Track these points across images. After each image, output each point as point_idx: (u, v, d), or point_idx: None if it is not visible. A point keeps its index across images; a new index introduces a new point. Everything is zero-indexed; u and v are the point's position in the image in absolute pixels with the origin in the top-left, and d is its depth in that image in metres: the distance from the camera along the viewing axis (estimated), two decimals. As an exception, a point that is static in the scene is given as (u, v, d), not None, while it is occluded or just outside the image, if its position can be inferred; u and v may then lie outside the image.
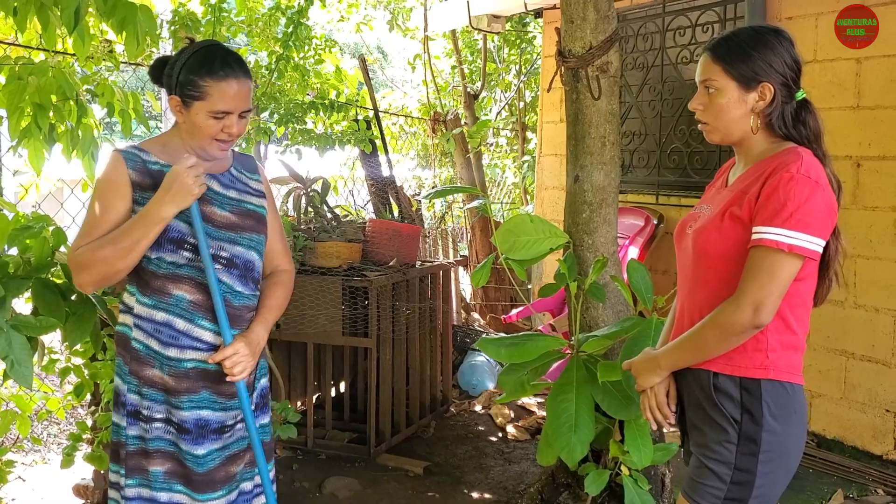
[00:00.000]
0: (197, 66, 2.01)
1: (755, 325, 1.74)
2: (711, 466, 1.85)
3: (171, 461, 2.08)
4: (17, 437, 3.34)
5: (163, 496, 2.07)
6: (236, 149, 4.36)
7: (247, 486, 2.20)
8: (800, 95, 1.88)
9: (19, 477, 3.53)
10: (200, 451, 2.06)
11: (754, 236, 1.75)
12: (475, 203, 3.21)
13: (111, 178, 2.05)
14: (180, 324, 2.04)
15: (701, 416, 1.90)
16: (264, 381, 2.28)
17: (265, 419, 2.26)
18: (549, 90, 3.65)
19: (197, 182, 1.96)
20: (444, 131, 7.17)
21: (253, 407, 2.17)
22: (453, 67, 8.64)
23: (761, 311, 1.73)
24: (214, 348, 2.07)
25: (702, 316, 1.87)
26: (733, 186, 1.91)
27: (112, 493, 2.16)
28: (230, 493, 2.12)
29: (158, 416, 2.07)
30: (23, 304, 2.56)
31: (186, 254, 2.05)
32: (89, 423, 3.12)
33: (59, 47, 3.37)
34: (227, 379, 2.04)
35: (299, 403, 4.42)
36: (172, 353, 2.05)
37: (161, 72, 2.10)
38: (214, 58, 2.02)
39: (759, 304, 1.73)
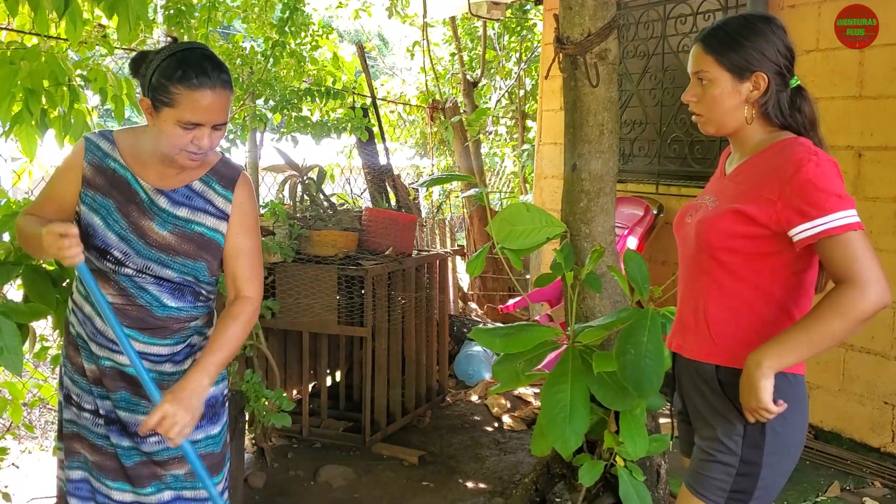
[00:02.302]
0: (170, 71, 1.85)
1: (885, 303, 1.69)
2: (718, 459, 1.85)
3: (99, 454, 2.04)
4: (10, 425, 3.32)
5: (93, 482, 2.06)
6: (237, 147, 4.24)
7: (187, 493, 2.09)
8: (794, 83, 1.87)
9: (13, 464, 3.53)
10: (127, 443, 2.03)
11: (816, 230, 1.71)
12: (471, 192, 3.18)
13: (67, 162, 2.02)
14: (99, 323, 2.01)
15: (707, 409, 1.89)
16: (213, 391, 2.09)
17: (214, 429, 2.13)
18: (547, 77, 3.63)
19: (60, 253, 1.82)
20: (443, 119, 7.14)
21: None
22: (452, 55, 8.59)
23: (886, 288, 1.68)
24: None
25: (704, 305, 1.87)
26: (735, 178, 1.89)
27: (58, 472, 2.14)
28: (160, 493, 2.05)
29: (87, 406, 2.04)
30: (14, 291, 2.54)
31: (110, 264, 1.97)
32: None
33: (52, 32, 3.34)
34: (169, 443, 1.88)
35: (294, 392, 4.40)
36: (94, 347, 2.02)
37: (137, 66, 1.98)
38: (190, 64, 1.85)
39: (880, 280, 1.68)
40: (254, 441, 3.92)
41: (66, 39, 3.19)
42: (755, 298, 1.85)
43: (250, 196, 2.11)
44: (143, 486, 2.03)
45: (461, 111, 7.27)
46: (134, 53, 2.05)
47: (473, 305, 6.62)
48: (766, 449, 1.80)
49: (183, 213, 2.01)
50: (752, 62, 1.82)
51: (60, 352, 2.16)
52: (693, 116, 1.95)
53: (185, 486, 2.09)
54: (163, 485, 2.06)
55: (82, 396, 2.05)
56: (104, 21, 3.44)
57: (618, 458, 2.67)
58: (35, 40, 3.28)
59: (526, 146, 7.99)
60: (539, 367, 2.73)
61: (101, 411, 2.03)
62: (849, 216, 1.70)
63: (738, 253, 1.82)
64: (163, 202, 1.99)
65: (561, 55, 2.92)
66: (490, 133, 8.85)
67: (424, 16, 7.51)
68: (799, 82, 1.88)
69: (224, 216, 2.05)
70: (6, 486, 3.23)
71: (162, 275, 1.99)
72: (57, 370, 2.81)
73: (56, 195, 2.03)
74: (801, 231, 1.72)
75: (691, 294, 1.94)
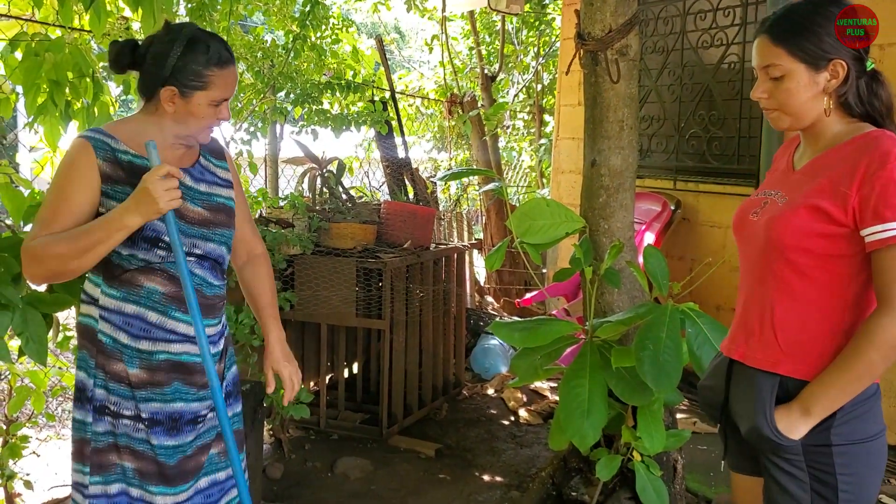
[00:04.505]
0: (202, 56, 1.92)
1: None
2: (789, 473, 1.72)
3: (141, 460, 1.99)
4: (32, 413, 3.36)
5: (134, 491, 2.00)
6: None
7: (221, 475, 2.12)
8: (870, 65, 1.72)
9: (34, 452, 3.55)
10: (172, 442, 2.00)
11: (883, 234, 1.57)
12: (490, 186, 3.18)
13: (77, 166, 1.91)
14: (153, 316, 1.97)
15: (769, 424, 1.72)
16: (236, 369, 2.23)
17: (239, 407, 2.21)
18: (567, 73, 3.61)
19: (168, 195, 1.82)
20: (461, 113, 7.14)
21: (224, 394, 2.11)
22: (471, 49, 8.59)
23: None
24: (189, 339, 2.01)
25: (771, 310, 1.74)
26: (810, 172, 1.74)
27: (75, 496, 2.03)
28: (197, 482, 2.06)
29: (127, 412, 1.98)
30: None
31: (160, 252, 1.96)
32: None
33: (77, 24, 3.36)
34: (285, 400, 2.25)
35: (312, 384, 4.43)
36: (144, 345, 1.97)
37: (130, 57, 1.96)
38: (213, 46, 1.95)
39: None
40: (272, 432, 3.95)
41: (89, 31, 3.22)
42: (828, 304, 1.69)
43: (232, 162, 2.29)
44: (186, 482, 2.03)
45: (479, 105, 7.27)
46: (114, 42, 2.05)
47: (490, 299, 6.63)
48: (837, 460, 1.68)
49: (203, 188, 2.09)
50: (829, 50, 1.68)
51: (80, 365, 2.06)
52: (765, 112, 1.80)
53: (219, 467, 2.11)
54: (199, 474, 2.08)
55: (121, 403, 1.98)
56: (127, 13, 3.47)
57: (635, 453, 2.67)
58: (59, 32, 3.31)
59: (543, 141, 7.99)
60: (557, 361, 2.74)
61: (144, 415, 1.98)
62: None
63: (813, 253, 1.67)
64: (188, 179, 2.04)
65: (582, 51, 2.92)
66: (507, 127, 8.85)
67: (443, 10, 7.51)
68: (874, 65, 1.73)
69: (230, 185, 2.19)
70: (28, 475, 3.27)
71: (205, 249, 2.04)
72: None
73: (76, 203, 1.91)
74: (871, 233, 1.59)
75: (756, 298, 1.79)
